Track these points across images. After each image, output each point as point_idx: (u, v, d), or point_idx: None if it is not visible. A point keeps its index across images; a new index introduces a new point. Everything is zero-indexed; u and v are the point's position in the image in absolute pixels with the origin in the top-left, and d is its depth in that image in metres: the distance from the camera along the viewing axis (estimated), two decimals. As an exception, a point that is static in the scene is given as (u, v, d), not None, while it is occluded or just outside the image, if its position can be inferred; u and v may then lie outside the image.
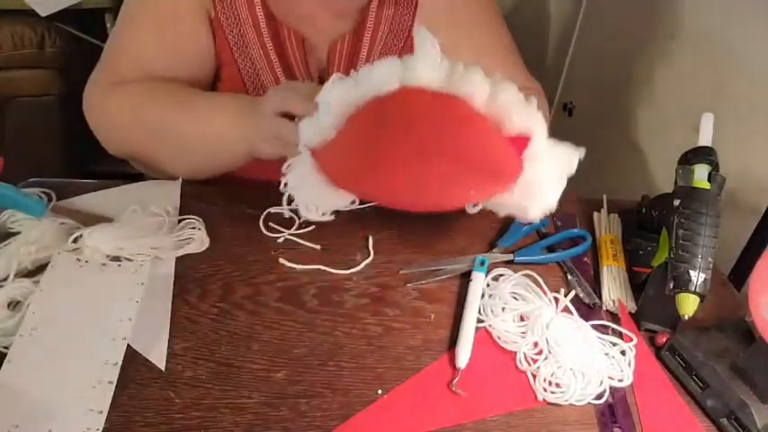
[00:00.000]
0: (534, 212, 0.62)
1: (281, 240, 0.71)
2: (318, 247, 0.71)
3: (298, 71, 0.79)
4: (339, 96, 0.61)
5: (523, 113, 0.60)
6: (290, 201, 0.67)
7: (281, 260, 0.68)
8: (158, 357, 0.56)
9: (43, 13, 1.58)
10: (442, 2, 0.82)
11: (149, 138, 0.73)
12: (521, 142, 0.60)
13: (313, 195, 0.66)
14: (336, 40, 0.79)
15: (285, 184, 0.65)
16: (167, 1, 0.75)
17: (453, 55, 0.67)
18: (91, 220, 0.68)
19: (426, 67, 0.60)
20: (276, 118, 0.65)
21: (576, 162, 0.61)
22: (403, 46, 0.81)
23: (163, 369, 0.55)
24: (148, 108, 0.72)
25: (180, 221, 0.70)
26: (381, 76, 0.60)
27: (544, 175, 0.61)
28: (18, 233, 0.65)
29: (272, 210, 0.75)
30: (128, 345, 0.54)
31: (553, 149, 0.61)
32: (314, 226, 0.73)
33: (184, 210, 0.73)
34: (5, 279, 0.60)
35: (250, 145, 0.69)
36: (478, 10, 0.85)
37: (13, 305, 0.59)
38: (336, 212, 0.76)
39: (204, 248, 0.69)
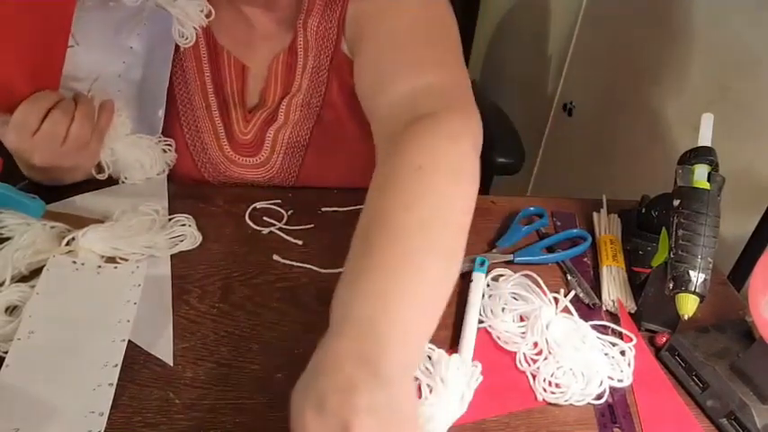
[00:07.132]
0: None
1: (280, 241, 0.71)
2: (318, 247, 0.71)
3: (231, 98, 0.78)
4: None
5: None
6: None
7: (281, 260, 0.69)
8: (165, 354, 0.57)
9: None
10: (368, 12, 0.73)
11: None
12: None
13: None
14: (273, 61, 0.77)
15: None
16: None
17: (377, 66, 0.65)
18: (81, 222, 0.68)
19: None
20: None
21: None
22: (331, 59, 0.76)
23: (171, 364, 0.56)
24: None
25: (169, 220, 0.70)
26: None
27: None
28: (9, 238, 0.64)
29: (272, 209, 0.75)
30: (126, 346, 0.54)
31: None
32: (314, 225, 0.73)
33: (178, 210, 0.72)
34: (1, 284, 0.59)
35: None
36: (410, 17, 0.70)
37: (11, 310, 0.58)
38: (336, 212, 0.76)
39: (197, 245, 0.69)
